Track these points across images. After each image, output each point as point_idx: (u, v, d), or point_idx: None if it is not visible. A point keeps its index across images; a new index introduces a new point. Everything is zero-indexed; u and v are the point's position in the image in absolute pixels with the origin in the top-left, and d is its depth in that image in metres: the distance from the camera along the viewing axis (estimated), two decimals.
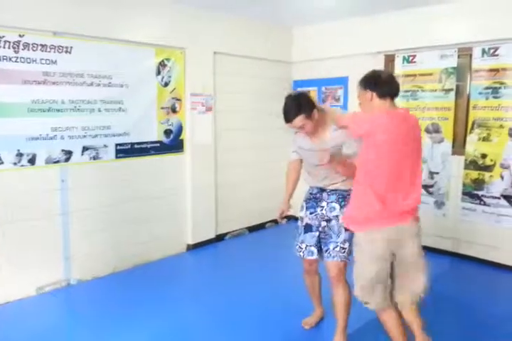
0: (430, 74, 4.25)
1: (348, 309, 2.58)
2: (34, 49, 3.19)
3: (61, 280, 3.50)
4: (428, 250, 4.27)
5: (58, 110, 3.40)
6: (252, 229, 5.06)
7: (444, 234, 4.28)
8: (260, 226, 5.15)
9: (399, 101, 4.42)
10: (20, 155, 3.22)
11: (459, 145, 4.20)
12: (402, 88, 4.38)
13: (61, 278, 3.50)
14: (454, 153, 4.20)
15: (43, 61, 3.25)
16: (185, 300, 3.32)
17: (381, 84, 2.25)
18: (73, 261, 3.55)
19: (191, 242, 4.38)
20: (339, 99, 5.03)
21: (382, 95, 2.24)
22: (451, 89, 4.16)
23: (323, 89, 5.16)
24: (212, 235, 4.60)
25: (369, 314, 2.43)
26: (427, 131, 4.31)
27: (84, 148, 3.57)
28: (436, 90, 4.25)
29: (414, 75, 4.35)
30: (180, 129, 4.22)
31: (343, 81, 4.94)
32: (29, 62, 3.18)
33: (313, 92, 5.21)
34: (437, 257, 4.11)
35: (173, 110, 4.14)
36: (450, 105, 4.18)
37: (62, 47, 3.33)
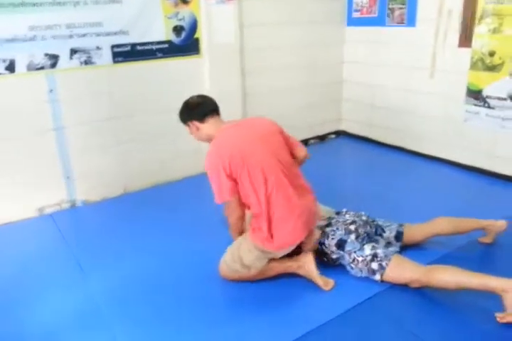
0: None
1: None
2: None
3: (64, 201, 3.22)
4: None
5: (34, 4, 2.80)
6: None
7: None
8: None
9: None
10: None
11: None
12: None
13: (64, 198, 3.22)
14: None
15: None
16: (210, 225, 2.87)
17: (192, 110, 2.21)
18: (76, 181, 3.22)
19: None
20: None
21: (201, 119, 2.19)
22: None
23: None
24: None
25: None
26: None
27: (73, 51, 3.00)
28: None
29: None
30: (194, 25, 3.42)
31: None
32: None
33: None
34: None
35: (183, 0, 3.33)
36: None
37: None
